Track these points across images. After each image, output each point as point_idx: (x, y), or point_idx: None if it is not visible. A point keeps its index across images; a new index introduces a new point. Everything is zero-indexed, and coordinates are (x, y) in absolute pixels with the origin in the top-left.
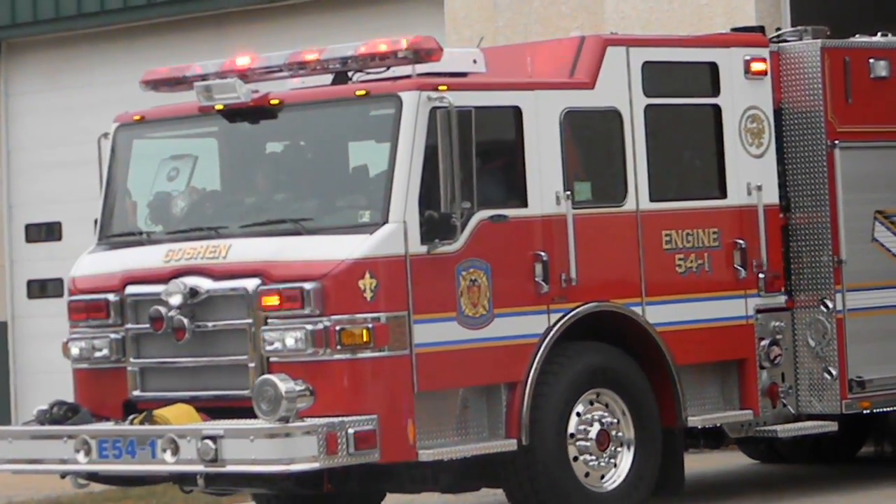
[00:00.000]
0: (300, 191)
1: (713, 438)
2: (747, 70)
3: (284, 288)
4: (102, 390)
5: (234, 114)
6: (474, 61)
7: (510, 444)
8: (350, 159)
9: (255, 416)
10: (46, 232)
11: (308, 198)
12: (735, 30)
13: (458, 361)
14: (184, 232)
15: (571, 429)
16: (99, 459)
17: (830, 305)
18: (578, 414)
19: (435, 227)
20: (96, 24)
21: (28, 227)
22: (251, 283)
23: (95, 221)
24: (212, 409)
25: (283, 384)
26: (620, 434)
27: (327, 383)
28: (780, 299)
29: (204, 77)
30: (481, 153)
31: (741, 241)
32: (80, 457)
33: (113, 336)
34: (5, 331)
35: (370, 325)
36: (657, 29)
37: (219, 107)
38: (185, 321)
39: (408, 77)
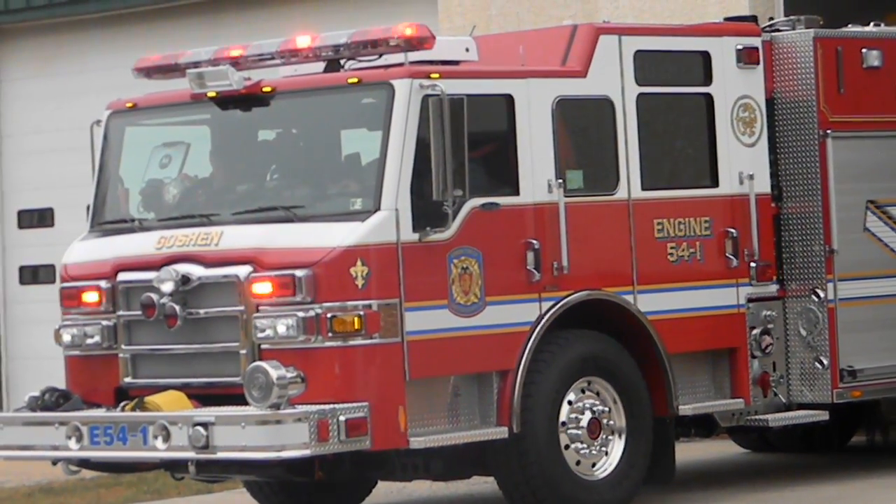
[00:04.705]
0: (292, 178)
1: (704, 427)
2: (739, 59)
3: (276, 275)
4: (94, 377)
5: (226, 101)
6: (466, 49)
7: (501, 432)
8: (342, 147)
9: (246, 403)
10: (39, 218)
11: (300, 185)
12: (728, 19)
13: (449, 349)
14: (176, 219)
15: (563, 417)
16: (90, 446)
17: (822, 295)
18: (570, 402)
19: (426, 214)
20: (89, 11)
21: (20, 214)
22: (243, 271)
23: (87, 208)
24: (203, 396)
25: (275, 371)
26: (612, 422)
27: (319, 370)
28: (772, 288)
29: (196, 64)
30: (473, 141)
31: (733, 230)
32: (72, 443)
33: (104, 323)
34: None
35: (361, 313)
36: (650, 18)
37: (211, 94)
38: (177, 308)
39: (400, 65)
